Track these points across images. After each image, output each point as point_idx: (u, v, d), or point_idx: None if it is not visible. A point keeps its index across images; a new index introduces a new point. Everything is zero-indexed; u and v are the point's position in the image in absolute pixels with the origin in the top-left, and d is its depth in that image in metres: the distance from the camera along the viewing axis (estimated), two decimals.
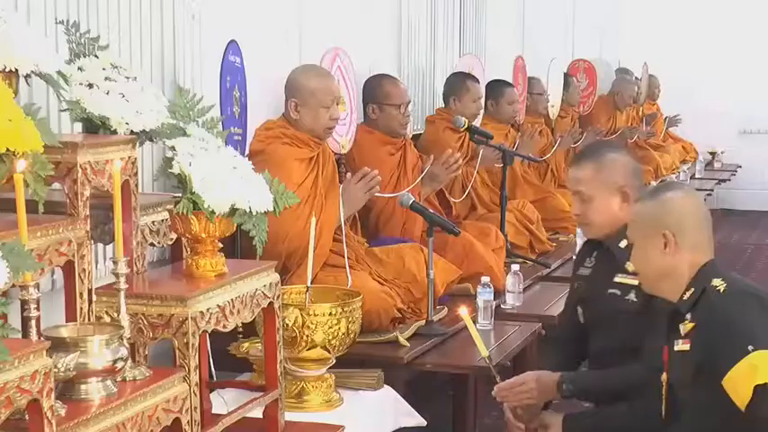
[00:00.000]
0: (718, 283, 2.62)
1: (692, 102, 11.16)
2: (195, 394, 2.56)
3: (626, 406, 3.03)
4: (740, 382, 2.46)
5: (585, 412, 3.26)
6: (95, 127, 2.76)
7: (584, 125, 8.70)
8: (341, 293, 3.53)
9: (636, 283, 3.06)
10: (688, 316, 2.64)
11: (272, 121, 4.24)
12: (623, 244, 3.11)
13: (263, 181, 2.86)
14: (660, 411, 2.81)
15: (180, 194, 2.73)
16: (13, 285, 2.07)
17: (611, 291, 3.17)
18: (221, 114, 3.95)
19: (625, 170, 3.21)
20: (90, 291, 2.48)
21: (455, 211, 5.48)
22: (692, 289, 2.66)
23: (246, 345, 3.57)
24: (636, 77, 10.27)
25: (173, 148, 2.73)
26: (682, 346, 2.63)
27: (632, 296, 3.12)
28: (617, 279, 3.16)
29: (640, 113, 10.41)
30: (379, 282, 4.11)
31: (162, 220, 3.01)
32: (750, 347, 2.45)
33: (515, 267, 4.70)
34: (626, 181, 3.18)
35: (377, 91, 5.07)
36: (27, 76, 2.38)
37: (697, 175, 10.22)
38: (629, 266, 3.08)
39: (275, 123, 4.21)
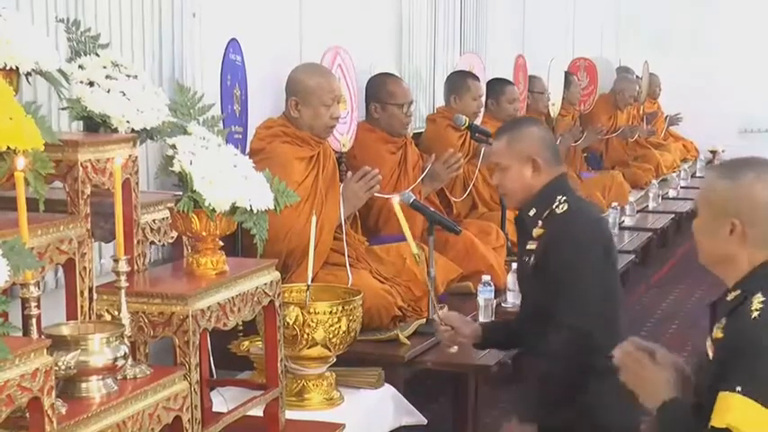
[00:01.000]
0: (757, 304, 2.35)
1: (692, 100, 11.15)
2: (196, 392, 2.56)
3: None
4: (716, 408, 2.31)
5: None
6: (96, 125, 2.76)
7: (584, 124, 8.70)
8: (341, 292, 3.53)
9: (533, 247, 3.16)
10: (723, 320, 2.42)
11: (272, 120, 4.24)
12: (532, 212, 3.21)
13: (263, 179, 2.86)
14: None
15: (181, 193, 2.73)
16: (14, 283, 2.07)
17: (524, 258, 3.25)
18: (222, 113, 3.94)
19: (536, 141, 3.27)
20: (91, 289, 2.49)
21: (456, 210, 5.48)
22: (739, 291, 2.42)
23: (247, 343, 3.57)
24: (637, 76, 10.26)
25: (173, 147, 2.72)
26: (709, 351, 2.46)
27: (531, 260, 3.19)
28: (528, 246, 3.22)
29: (641, 112, 10.40)
30: (379, 280, 4.11)
31: (163, 219, 3.01)
32: (738, 388, 2.28)
33: (516, 266, 4.69)
34: (537, 151, 3.24)
35: (380, 90, 5.07)
36: (28, 75, 2.38)
37: (698, 174, 10.21)
38: (535, 232, 3.17)
39: (276, 122, 4.21)
